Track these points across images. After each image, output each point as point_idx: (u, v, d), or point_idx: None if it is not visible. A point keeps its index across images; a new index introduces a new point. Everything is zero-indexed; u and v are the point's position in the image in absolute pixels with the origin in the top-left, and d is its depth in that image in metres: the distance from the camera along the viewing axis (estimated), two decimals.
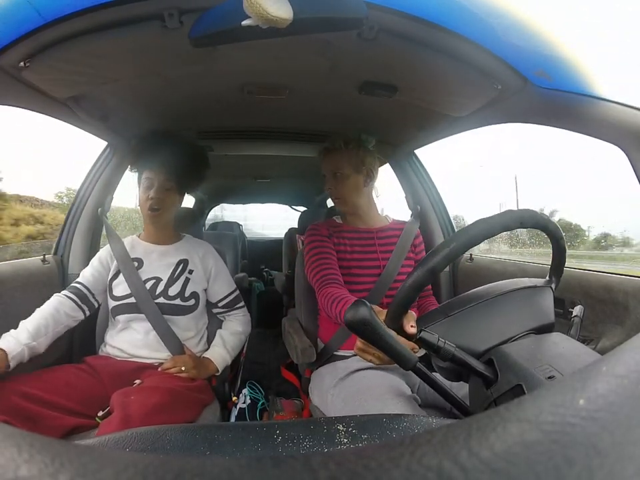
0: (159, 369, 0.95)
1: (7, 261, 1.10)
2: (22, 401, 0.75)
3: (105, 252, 1.10)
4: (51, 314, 0.95)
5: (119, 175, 1.36)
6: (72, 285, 1.05)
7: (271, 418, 1.34)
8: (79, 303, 1.02)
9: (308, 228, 1.13)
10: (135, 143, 1.12)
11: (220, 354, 1.04)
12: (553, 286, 0.64)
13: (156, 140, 1.08)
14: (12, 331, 0.87)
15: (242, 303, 1.17)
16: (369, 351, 0.67)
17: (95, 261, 1.09)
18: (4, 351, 0.81)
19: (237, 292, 1.16)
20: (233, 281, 1.16)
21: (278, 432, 0.42)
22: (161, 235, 1.12)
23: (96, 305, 1.06)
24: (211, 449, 0.39)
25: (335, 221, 1.15)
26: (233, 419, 1.26)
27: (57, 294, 1.02)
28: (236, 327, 1.12)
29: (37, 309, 0.95)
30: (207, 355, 1.03)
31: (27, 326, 0.89)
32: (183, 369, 0.94)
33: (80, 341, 1.19)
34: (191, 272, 1.08)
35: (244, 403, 1.42)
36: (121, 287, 1.03)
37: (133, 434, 0.40)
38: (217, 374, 1.03)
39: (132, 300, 1.01)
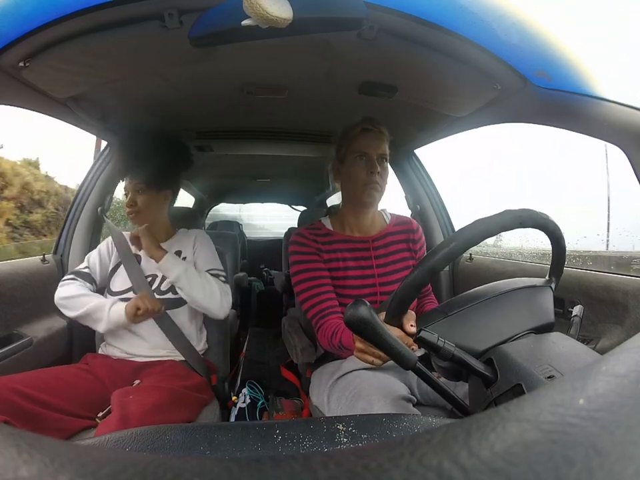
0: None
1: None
2: (22, 401, 0.75)
3: (104, 245, 1.13)
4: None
5: (119, 175, 1.37)
6: (77, 270, 1.08)
7: (270, 417, 1.34)
8: (90, 286, 1.07)
9: (291, 239, 0.97)
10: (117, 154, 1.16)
11: (178, 261, 1.02)
12: (553, 286, 0.64)
13: (126, 144, 1.11)
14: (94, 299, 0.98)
15: (225, 280, 1.10)
16: (368, 351, 0.66)
17: (95, 252, 1.13)
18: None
19: (223, 273, 1.12)
20: (219, 262, 1.13)
21: (278, 432, 0.42)
22: (155, 232, 1.09)
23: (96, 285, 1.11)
24: (211, 448, 0.39)
25: (325, 226, 1.00)
26: (232, 419, 1.26)
27: (71, 281, 1.04)
28: (212, 280, 1.04)
29: (76, 295, 1.00)
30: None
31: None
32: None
33: (80, 341, 1.19)
34: (184, 259, 1.09)
35: (243, 402, 1.41)
36: (119, 280, 1.05)
37: (133, 434, 0.40)
38: (162, 262, 1.00)
39: (131, 295, 1.02)
